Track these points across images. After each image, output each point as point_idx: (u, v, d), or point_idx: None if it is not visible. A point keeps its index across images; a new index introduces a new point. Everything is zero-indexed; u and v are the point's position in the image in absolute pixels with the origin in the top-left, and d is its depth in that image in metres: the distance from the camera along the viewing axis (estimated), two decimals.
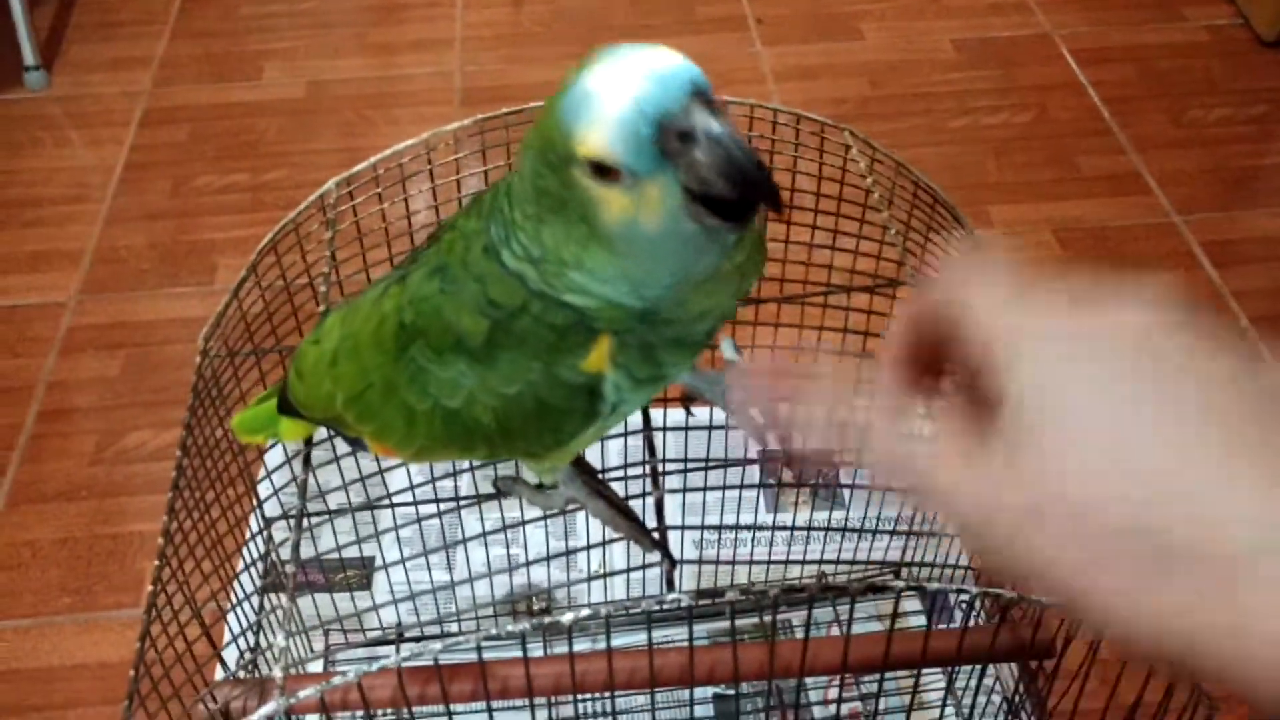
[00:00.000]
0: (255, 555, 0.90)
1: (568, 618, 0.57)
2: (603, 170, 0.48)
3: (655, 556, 0.68)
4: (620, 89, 0.47)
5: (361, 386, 0.66)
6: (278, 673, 0.63)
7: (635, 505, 0.92)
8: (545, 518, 0.93)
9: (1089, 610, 0.34)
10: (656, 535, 0.69)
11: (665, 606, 0.58)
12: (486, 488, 1.05)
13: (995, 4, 2.29)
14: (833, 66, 2.11)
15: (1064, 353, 0.36)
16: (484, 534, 0.91)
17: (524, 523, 0.88)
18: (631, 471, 0.89)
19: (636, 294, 0.54)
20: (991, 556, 0.36)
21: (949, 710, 1.14)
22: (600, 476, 0.76)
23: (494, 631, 0.57)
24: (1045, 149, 1.96)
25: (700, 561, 1.19)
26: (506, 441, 0.62)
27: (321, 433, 0.84)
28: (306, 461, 0.78)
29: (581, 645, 0.70)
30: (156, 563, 0.76)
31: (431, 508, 0.98)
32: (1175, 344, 0.36)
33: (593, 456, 0.97)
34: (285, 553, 0.95)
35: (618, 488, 0.93)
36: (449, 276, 0.60)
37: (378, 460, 0.95)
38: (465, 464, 0.99)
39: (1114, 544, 0.33)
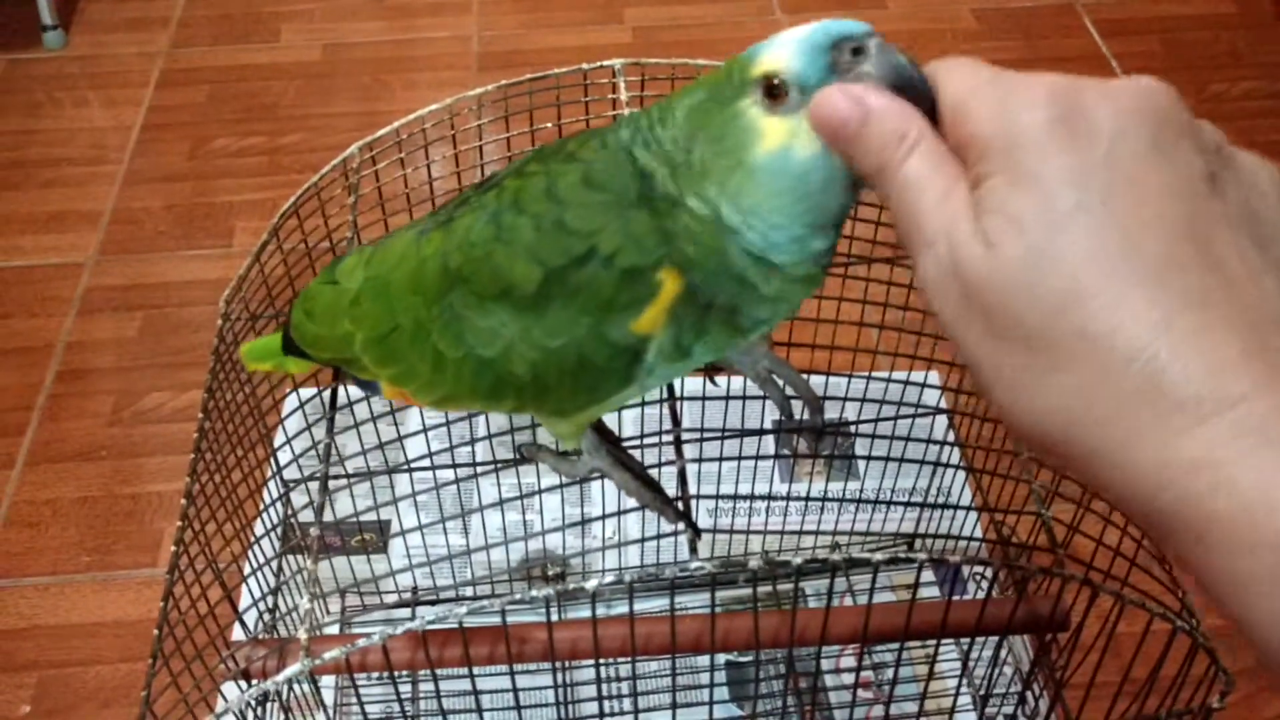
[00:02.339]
0: (275, 519, 0.91)
1: (592, 584, 0.57)
2: (773, 91, 0.49)
3: (679, 526, 0.68)
4: (806, 27, 0.49)
5: (387, 328, 0.65)
6: (302, 634, 0.64)
7: (656, 475, 0.92)
8: (562, 485, 0.93)
9: (987, 392, 0.36)
10: (680, 506, 0.69)
11: (690, 574, 0.59)
12: (504, 454, 1.06)
13: None
14: None
15: (1046, 134, 0.37)
16: (500, 501, 0.91)
17: (540, 491, 0.89)
18: (650, 440, 0.89)
19: (762, 230, 0.53)
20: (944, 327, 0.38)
21: (962, 682, 1.14)
22: (619, 442, 0.76)
23: (518, 596, 0.57)
24: None
25: (715, 530, 1.19)
26: (537, 397, 0.62)
27: (343, 398, 0.84)
28: (330, 426, 0.79)
29: (588, 610, 0.71)
30: (179, 524, 0.76)
31: (449, 473, 0.98)
32: (1154, 136, 0.36)
33: (610, 423, 0.97)
34: (304, 516, 0.96)
35: (637, 457, 0.94)
36: (506, 221, 0.59)
37: (396, 426, 0.95)
38: (483, 430, 0.99)
39: (1016, 333, 0.35)
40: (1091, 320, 0.33)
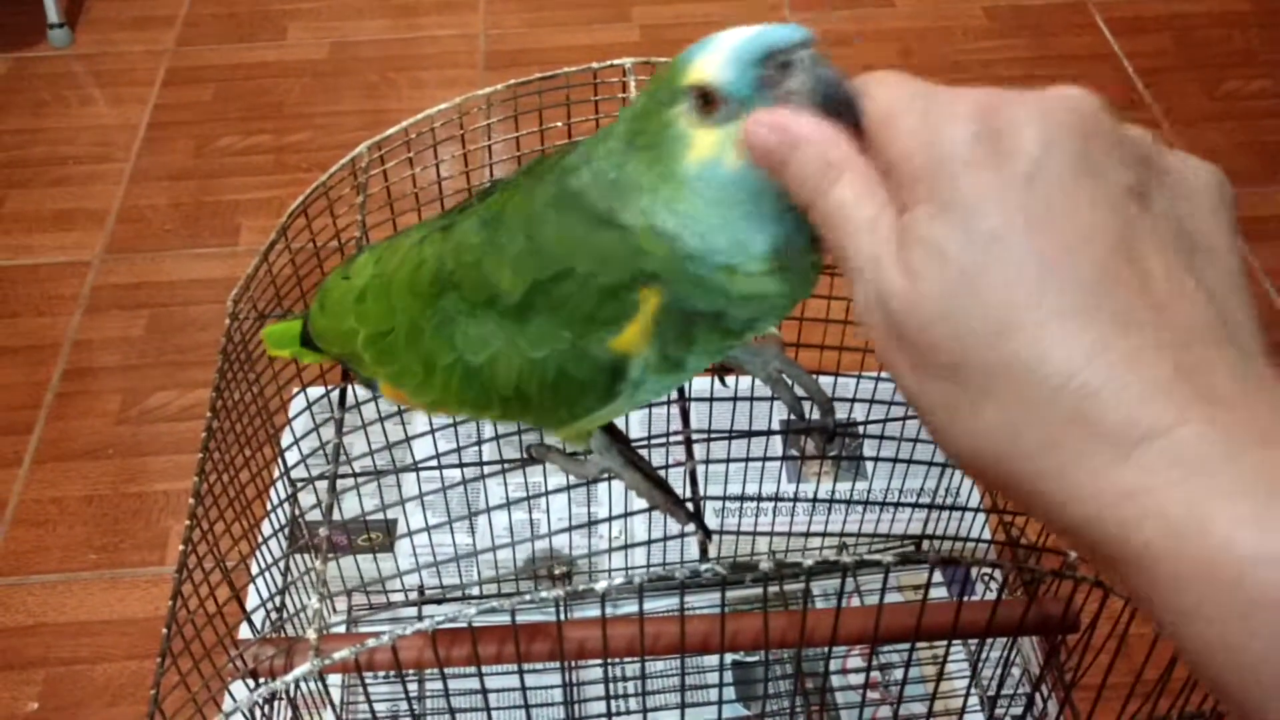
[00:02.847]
0: (283, 519, 0.91)
1: (601, 585, 0.57)
2: (705, 99, 0.49)
3: (690, 527, 0.68)
4: (740, 32, 0.49)
5: (386, 327, 0.66)
6: (311, 634, 0.63)
7: (664, 476, 0.92)
8: (570, 486, 0.93)
9: (923, 421, 0.35)
10: (690, 507, 0.69)
11: (700, 576, 0.58)
12: (511, 454, 1.06)
13: None
14: (863, 33, 2.09)
15: (967, 153, 0.35)
16: (508, 503, 0.91)
17: (547, 492, 0.88)
18: (659, 441, 0.89)
19: (697, 234, 0.53)
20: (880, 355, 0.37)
21: (971, 684, 1.14)
22: (629, 442, 0.76)
23: (528, 598, 0.57)
24: None
25: (722, 531, 1.19)
26: (521, 408, 0.62)
27: (351, 399, 0.84)
28: (339, 426, 0.79)
29: (596, 610, 0.71)
30: (188, 523, 0.76)
31: (456, 474, 0.98)
32: (1080, 151, 0.35)
33: (619, 424, 0.97)
34: (311, 516, 0.96)
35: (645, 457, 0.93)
36: (498, 231, 0.59)
37: (404, 427, 0.95)
38: (490, 431, 0.99)
39: (943, 365, 0.34)
40: (1017, 351, 0.32)
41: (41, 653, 1.27)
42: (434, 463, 0.98)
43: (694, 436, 0.78)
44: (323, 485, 0.76)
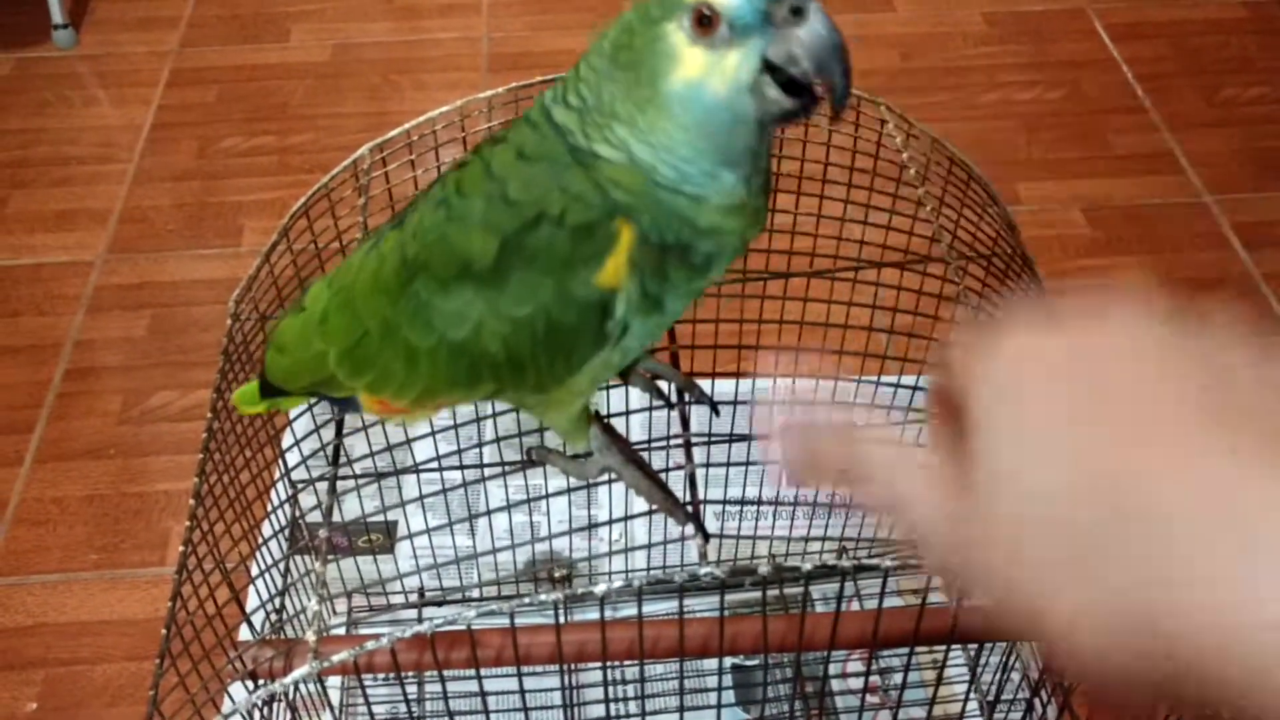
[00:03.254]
0: (283, 520, 0.91)
1: (601, 588, 0.57)
2: (703, 20, 0.49)
3: (689, 529, 0.68)
4: None
5: (357, 336, 0.65)
6: (311, 636, 0.64)
7: (664, 479, 0.92)
8: (570, 490, 0.93)
9: (1051, 631, 0.32)
10: (689, 509, 0.69)
11: (700, 579, 0.58)
12: (511, 456, 1.06)
13: None
14: (863, 38, 2.09)
15: (1023, 373, 0.34)
16: (508, 505, 0.91)
17: (548, 495, 0.89)
18: (660, 446, 0.89)
19: (672, 164, 0.54)
20: (963, 580, 0.35)
21: (971, 688, 1.14)
22: (628, 442, 0.76)
23: (527, 601, 0.57)
24: (1076, 126, 1.94)
25: (721, 535, 1.19)
26: (515, 373, 0.61)
27: None
28: (339, 428, 0.79)
29: (595, 613, 0.71)
30: (188, 523, 0.76)
31: (456, 476, 0.98)
32: (1154, 350, 0.33)
33: (619, 428, 0.97)
34: (311, 517, 0.96)
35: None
36: (457, 204, 0.60)
37: (405, 428, 0.95)
38: (491, 434, 0.99)
39: (1058, 541, 0.31)
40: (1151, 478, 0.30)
41: (41, 653, 1.27)
42: (434, 465, 0.98)
43: (694, 440, 0.78)
44: (323, 486, 0.76)
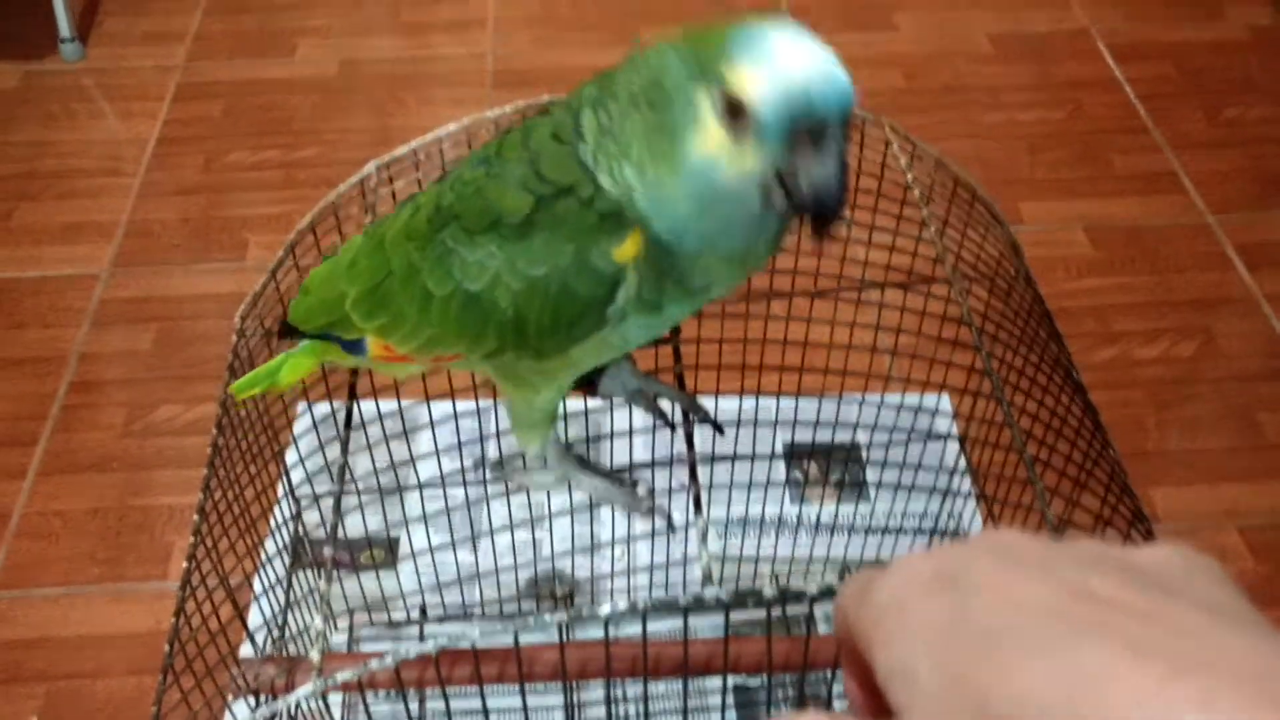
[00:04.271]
0: (286, 536, 0.91)
1: (605, 610, 0.57)
2: (733, 110, 0.51)
3: (660, 524, 0.69)
4: (805, 67, 0.50)
5: (380, 278, 0.68)
6: (315, 654, 0.64)
7: (667, 500, 0.92)
8: (573, 510, 0.93)
9: None
10: (651, 499, 0.71)
11: (704, 601, 0.59)
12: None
13: None
14: (867, 58, 2.10)
15: (901, 592, 0.32)
16: (510, 525, 0.92)
17: (550, 515, 0.89)
18: (662, 464, 0.89)
19: (670, 223, 0.57)
20: None
21: None
22: (587, 458, 0.77)
23: (531, 623, 0.57)
24: (1079, 146, 1.94)
25: (724, 558, 1.19)
26: (518, 334, 0.63)
27: (357, 418, 0.84)
28: (345, 445, 0.79)
29: (599, 631, 0.71)
30: (192, 539, 0.77)
31: (459, 492, 0.98)
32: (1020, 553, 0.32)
33: (622, 449, 0.97)
34: (315, 532, 0.96)
35: (648, 479, 0.94)
36: (498, 163, 0.62)
37: (409, 445, 0.96)
38: (495, 453, 0.99)
39: None
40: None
41: (43, 666, 1.27)
42: (438, 482, 0.99)
43: (698, 460, 0.78)
44: (326, 503, 0.76)
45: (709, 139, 0.52)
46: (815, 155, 0.51)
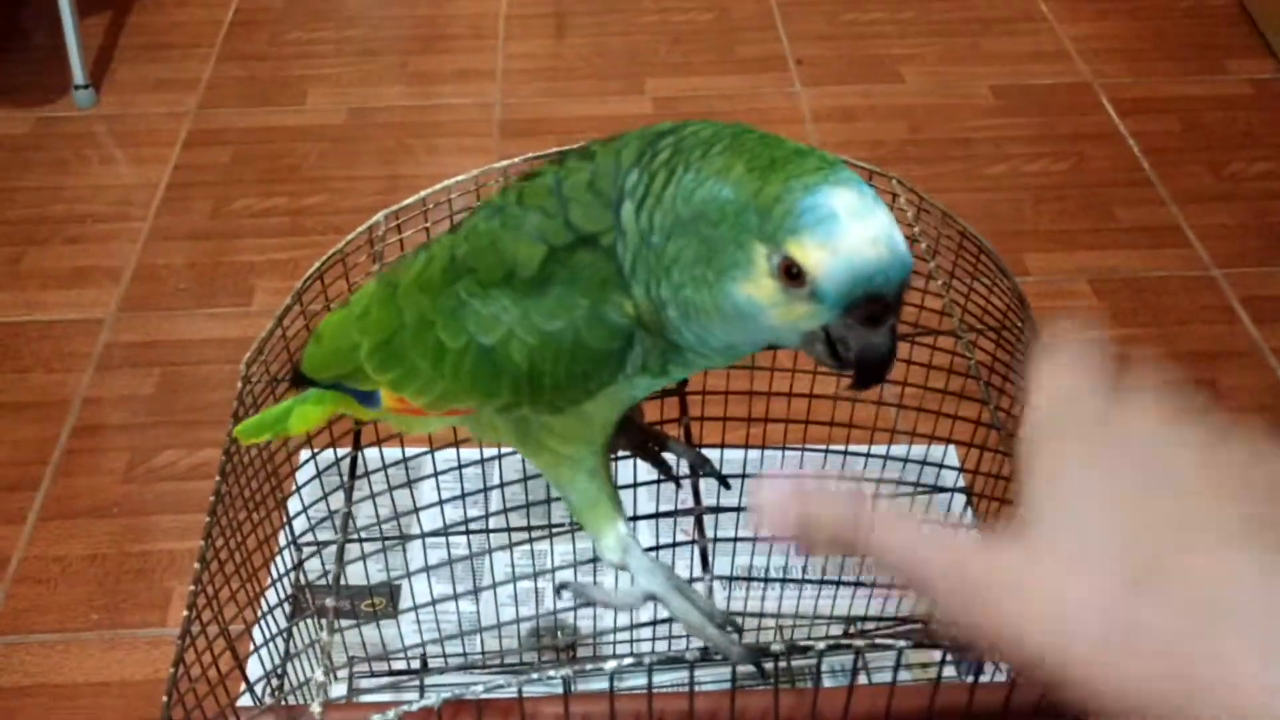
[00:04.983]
0: (288, 585, 0.90)
1: (610, 665, 0.57)
2: (791, 273, 0.51)
3: (747, 668, 0.64)
4: (872, 246, 0.50)
5: (392, 330, 0.67)
6: (316, 708, 0.63)
7: (671, 554, 0.91)
8: (577, 564, 0.93)
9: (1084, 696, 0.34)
10: (739, 636, 0.67)
11: (710, 657, 0.58)
12: (517, 522, 1.05)
13: (1036, 51, 2.29)
14: (872, 109, 2.12)
15: (1078, 453, 0.37)
16: (513, 578, 0.91)
17: (554, 569, 0.88)
18: (668, 515, 0.89)
19: (697, 337, 0.57)
20: (982, 646, 0.36)
21: None
22: (684, 581, 0.71)
23: (535, 676, 0.57)
24: (1083, 198, 1.95)
25: (729, 610, 1.18)
26: (533, 387, 0.62)
27: (361, 466, 0.84)
28: (349, 494, 0.79)
29: (602, 683, 0.70)
30: (192, 588, 0.76)
31: (462, 541, 0.97)
32: (1198, 450, 0.36)
33: (627, 500, 0.97)
34: (316, 580, 0.95)
35: (650, 529, 0.93)
36: (511, 212, 0.61)
37: (412, 496, 0.95)
38: (498, 503, 0.98)
39: (1101, 617, 0.33)
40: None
41: (38, 714, 1.25)
42: (441, 531, 0.98)
43: (705, 513, 0.78)
44: (329, 551, 0.76)
45: (761, 289, 0.52)
46: (871, 327, 0.51)
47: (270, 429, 0.81)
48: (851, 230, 0.49)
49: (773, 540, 0.40)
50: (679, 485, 0.79)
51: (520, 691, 0.63)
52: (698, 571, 0.72)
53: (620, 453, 0.80)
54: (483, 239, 0.62)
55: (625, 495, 0.78)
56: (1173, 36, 2.32)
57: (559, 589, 0.75)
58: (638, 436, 0.79)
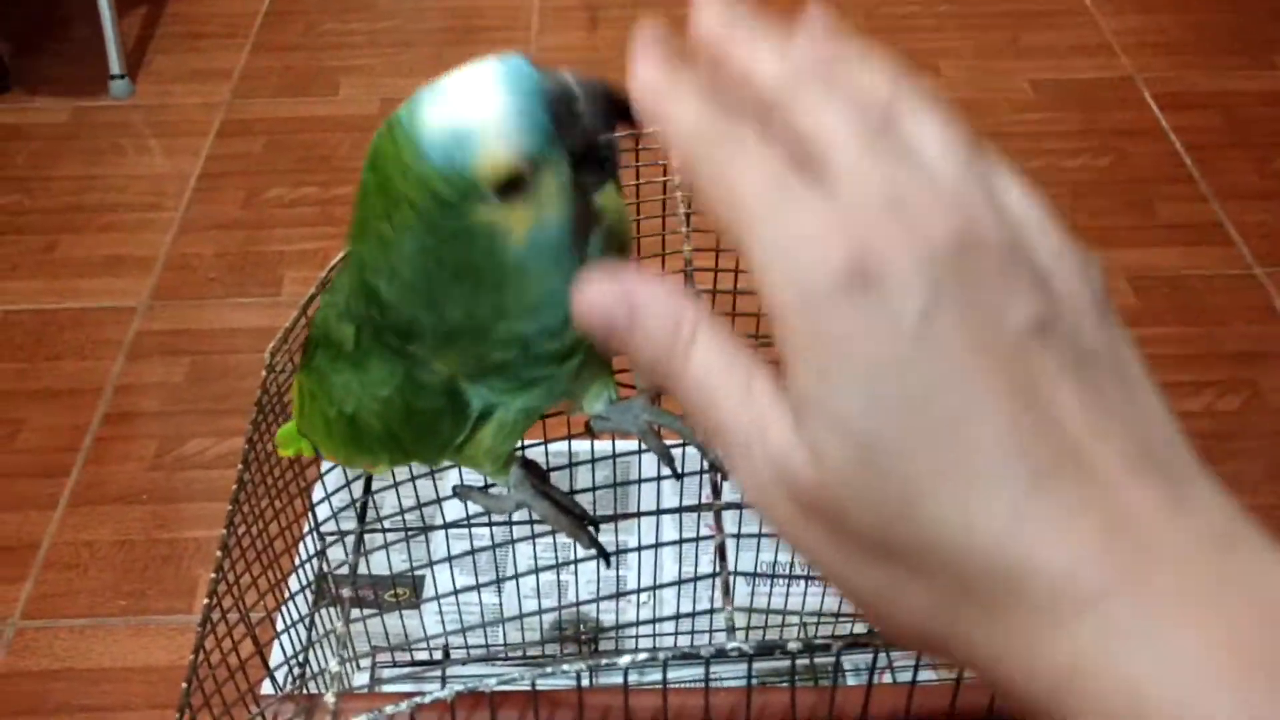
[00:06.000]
0: (310, 574, 0.90)
1: (625, 659, 0.56)
2: (513, 184, 0.46)
3: (592, 551, 0.70)
4: (480, 86, 0.46)
5: (301, 398, 0.68)
6: (330, 698, 0.62)
7: (694, 548, 0.90)
8: (596, 556, 0.92)
9: (850, 600, 0.32)
10: (593, 532, 0.71)
11: (727, 653, 0.57)
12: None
13: (1077, 45, 2.25)
14: None
15: (849, 303, 0.30)
16: (536, 570, 0.90)
17: (576, 560, 0.87)
18: (690, 511, 0.88)
19: (534, 319, 0.53)
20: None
21: None
22: (547, 477, 0.75)
23: (549, 670, 0.56)
24: (1123, 194, 1.92)
25: (750, 608, 1.17)
26: (397, 449, 0.63)
27: None
28: (367, 486, 0.78)
29: (619, 678, 0.69)
30: (213, 575, 0.76)
31: (485, 532, 0.97)
32: (975, 286, 0.29)
33: (649, 495, 0.96)
34: (339, 572, 0.95)
35: (675, 523, 0.92)
36: (335, 286, 0.62)
37: (435, 486, 0.95)
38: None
39: (865, 544, 0.30)
40: (937, 525, 0.28)
41: (65, 698, 1.26)
42: (464, 522, 0.97)
43: (724, 507, 0.77)
44: (351, 542, 0.75)
45: (518, 225, 0.49)
46: (579, 100, 0.47)
47: (301, 442, 0.81)
48: (478, 80, 0.47)
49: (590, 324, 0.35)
50: (681, 480, 0.78)
51: (534, 684, 0.63)
52: (716, 567, 0.71)
53: (641, 446, 0.79)
54: (319, 315, 0.63)
55: (648, 490, 0.77)
56: (1217, 30, 2.27)
57: (453, 489, 0.77)
58: (644, 417, 0.78)
